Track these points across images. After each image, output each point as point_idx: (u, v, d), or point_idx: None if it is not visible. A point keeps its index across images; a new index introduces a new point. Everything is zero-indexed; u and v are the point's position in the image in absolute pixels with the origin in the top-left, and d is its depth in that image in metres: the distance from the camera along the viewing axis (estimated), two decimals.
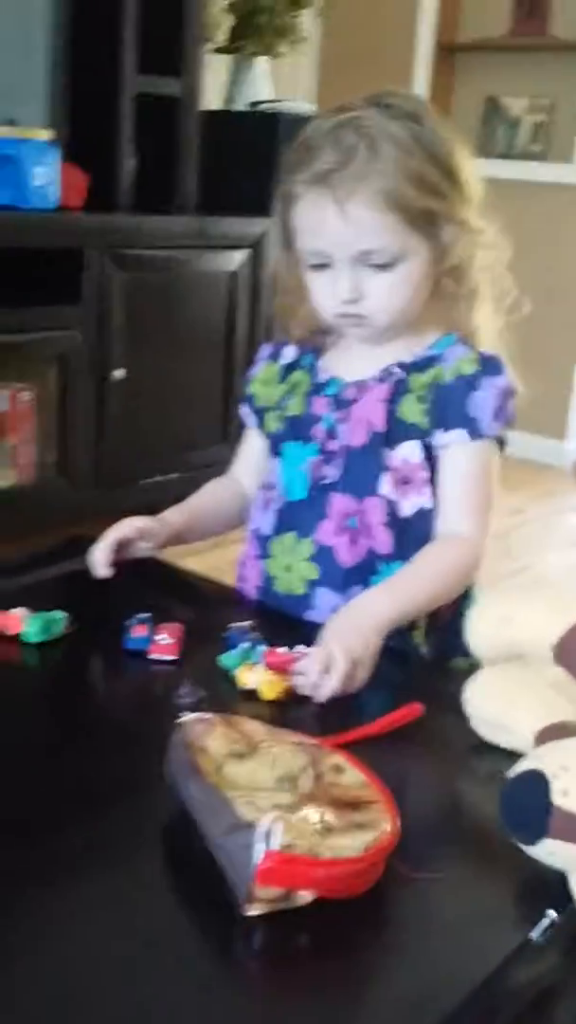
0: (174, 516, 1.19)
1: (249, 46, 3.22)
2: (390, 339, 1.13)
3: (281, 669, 0.94)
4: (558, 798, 0.65)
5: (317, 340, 1.20)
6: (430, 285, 1.11)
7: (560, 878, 0.68)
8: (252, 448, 1.25)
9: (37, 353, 2.60)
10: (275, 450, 1.18)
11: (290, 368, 1.20)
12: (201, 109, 3.03)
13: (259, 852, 0.64)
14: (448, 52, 4.09)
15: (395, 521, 1.11)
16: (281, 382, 1.20)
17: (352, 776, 0.74)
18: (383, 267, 1.06)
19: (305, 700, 0.93)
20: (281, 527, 1.16)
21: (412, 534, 1.11)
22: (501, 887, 0.72)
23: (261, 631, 1.00)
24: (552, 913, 0.65)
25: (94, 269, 2.61)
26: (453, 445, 1.09)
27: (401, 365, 1.12)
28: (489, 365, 1.10)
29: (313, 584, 1.13)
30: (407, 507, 1.11)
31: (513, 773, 0.68)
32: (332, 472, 1.12)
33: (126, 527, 1.14)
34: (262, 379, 1.22)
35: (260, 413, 1.21)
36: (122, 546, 1.13)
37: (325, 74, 4.16)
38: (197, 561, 1.30)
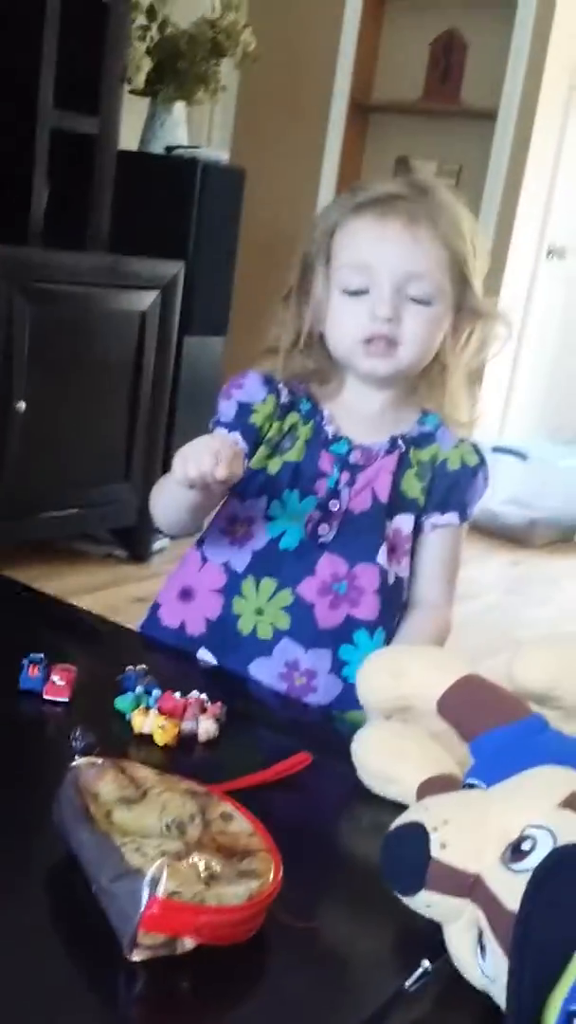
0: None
1: (168, 91, 3.26)
2: (385, 397, 1.16)
3: (174, 714, 0.95)
4: (436, 850, 0.67)
5: (303, 389, 1.19)
6: (437, 347, 1.14)
7: (436, 928, 0.70)
8: None
9: None
10: (262, 492, 1.16)
11: (286, 408, 1.18)
12: (117, 149, 3.05)
13: (145, 899, 0.65)
14: (362, 111, 4.21)
15: (383, 588, 1.14)
16: (279, 419, 1.18)
17: (239, 824, 0.75)
18: (420, 303, 1.10)
19: (197, 746, 0.94)
20: (260, 570, 1.15)
21: (393, 601, 1.16)
22: (379, 936, 0.74)
23: (156, 675, 1.01)
24: (427, 963, 0.68)
25: (2, 300, 2.60)
26: (447, 527, 1.17)
27: (402, 438, 1.16)
28: (482, 456, 1.19)
29: (281, 634, 1.14)
30: (391, 575, 1.15)
31: (395, 825, 0.71)
32: (329, 532, 1.14)
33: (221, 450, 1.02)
34: (267, 411, 1.17)
35: (255, 445, 1.17)
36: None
37: (241, 124, 4.24)
38: (93, 600, 1.30)
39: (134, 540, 2.95)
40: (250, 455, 1.16)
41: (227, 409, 1.18)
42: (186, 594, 1.20)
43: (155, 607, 1.23)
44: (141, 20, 3.16)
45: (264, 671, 1.15)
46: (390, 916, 0.73)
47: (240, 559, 1.16)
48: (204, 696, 0.98)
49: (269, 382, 1.18)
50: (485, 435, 4.03)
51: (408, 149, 4.16)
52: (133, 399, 2.95)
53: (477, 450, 1.19)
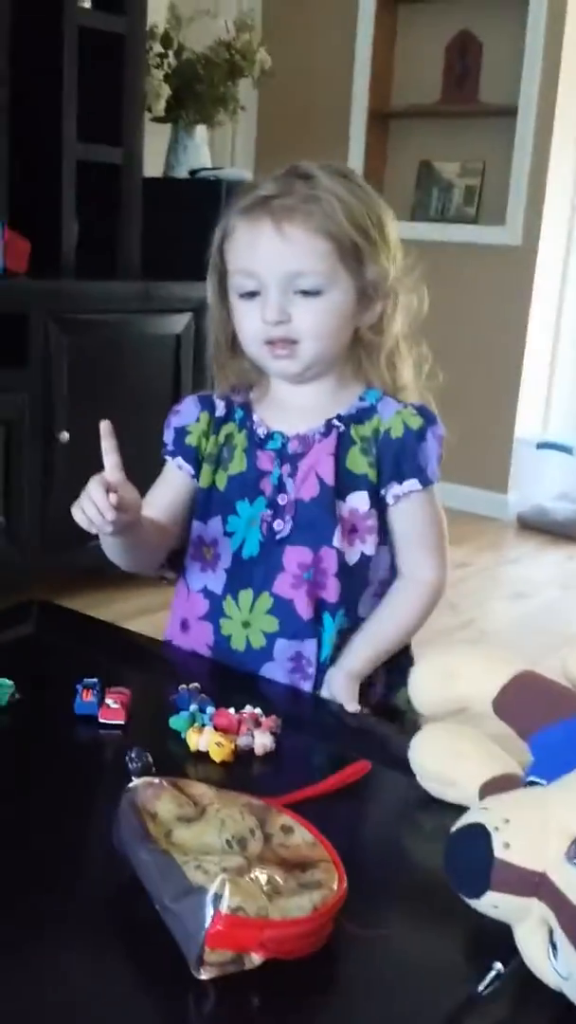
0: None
1: (188, 115, 3.30)
2: (315, 387, 1.16)
3: (230, 730, 0.95)
4: (500, 851, 0.66)
5: (243, 395, 1.21)
6: (351, 330, 1.14)
7: (505, 930, 0.69)
8: (174, 492, 1.20)
9: None
10: (217, 509, 1.18)
11: (221, 421, 1.20)
12: (142, 176, 3.09)
13: (209, 916, 0.65)
14: (382, 119, 4.21)
15: (343, 569, 1.14)
16: (214, 434, 1.20)
17: (300, 836, 0.75)
18: (311, 294, 1.10)
19: (254, 761, 0.94)
20: (235, 585, 1.17)
21: (356, 581, 1.16)
22: (448, 941, 0.73)
23: (209, 692, 1.01)
24: (498, 965, 0.67)
25: (39, 333, 2.63)
26: (410, 494, 1.15)
27: (339, 418, 1.16)
28: (427, 415, 1.17)
29: (273, 637, 1.15)
30: (352, 555, 1.14)
31: (456, 827, 0.70)
32: (284, 526, 1.14)
33: (108, 474, 1.06)
34: (200, 429, 1.20)
35: (198, 464, 1.20)
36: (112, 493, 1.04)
37: (263, 142, 4.27)
38: (146, 622, 1.31)
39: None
40: (196, 475, 1.19)
41: (168, 437, 1.22)
42: (184, 625, 1.22)
43: (167, 642, 1.24)
44: (157, 48, 3.19)
45: (275, 675, 1.15)
46: (458, 920, 0.72)
47: (216, 581, 1.18)
48: (258, 710, 0.98)
49: (203, 400, 1.22)
50: (529, 432, 4.01)
51: (430, 152, 4.16)
52: None
53: (422, 411, 1.16)
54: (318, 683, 1.16)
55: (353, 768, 0.91)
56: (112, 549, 1.15)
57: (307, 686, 1.16)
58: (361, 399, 1.17)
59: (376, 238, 1.12)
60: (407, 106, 4.18)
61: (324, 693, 1.15)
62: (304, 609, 1.14)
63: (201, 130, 3.36)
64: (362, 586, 1.16)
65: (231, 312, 1.15)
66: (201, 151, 3.37)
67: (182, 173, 3.31)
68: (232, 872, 0.67)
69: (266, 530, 1.15)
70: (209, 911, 0.65)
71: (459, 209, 4.13)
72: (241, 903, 0.65)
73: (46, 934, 0.71)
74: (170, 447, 1.21)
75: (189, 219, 3.14)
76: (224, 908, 0.65)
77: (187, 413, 1.21)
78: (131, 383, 2.88)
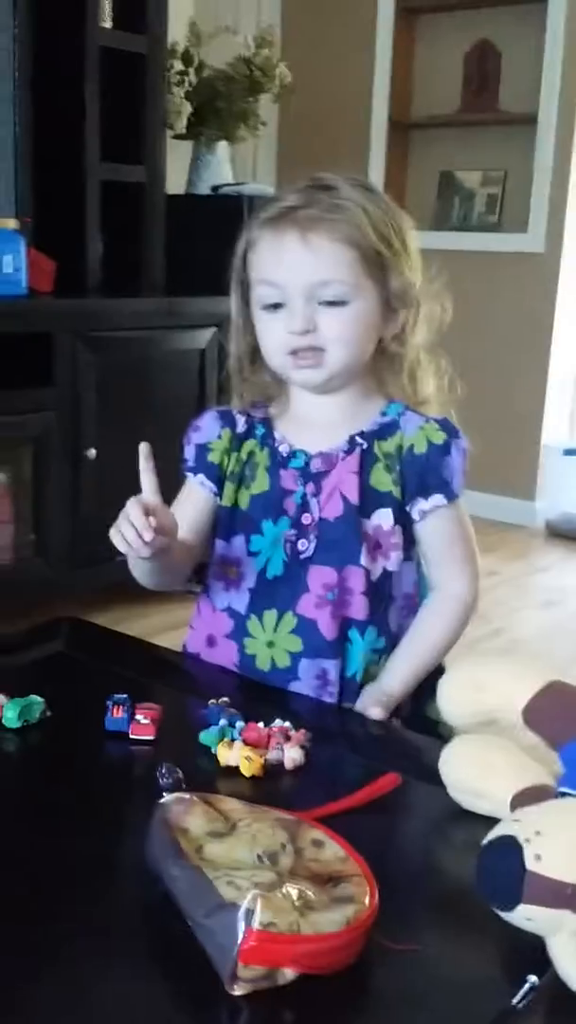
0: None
1: (209, 132, 3.32)
2: (337, 400, 1.16)
3: (259, 745, 0.95)
4: (532, 863, 0.66)
5: (263, 411, 1.20)
6: (375, 340, 1.14)
7: (539, 943, 0.69)
8: (197, 509, 1.20)
9: (11, 436, 2.63)
10: (241, 528, 1.18)
11: (242, 438, 1.19)
12: (165, 194, 3.11)
13: (241, 932, 0.65)
14: (402, 129, 4.22)
15: (369, 587, 1.14)
16: (235, 451, 1.19)
17: (331, 850, 0.75)
18: (336, 304, 1.10)
19: (284, 775, 0.94)
20: (259, 605, 1.16)
21: (381, 597, 1.15)
22: (481, 954, 0.73)
23: (239, 707, 1.02)
24: (533, 978, 0.66)
25: (65, 352, 2.66)
26: (435, 510, 1.14)
27: (362, 434, 1.15)
28: (450, 429, 1.16)
29: (297, 656, 1.15)
30: (376, 572, 1.14)
31: (487, 840, 0.70)
32: (308, 545, 1.14)
33: (146, 496, 1.06)
34: (223, 447, 1.19)
35: (220, 481, 1.19)
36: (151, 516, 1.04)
37: (284, 156, 4.29)
38: (176, 637, 1.31)
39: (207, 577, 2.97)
40: (219, 493, 1.19)
41: (189, 453, 1.21)
42: (211, 641, 1.22)
43: (193, 656, 1.24)
44: (178, 66, 3.22)
45: (300, 687, 1.15)
46: (491, 933, 0.71)
47: (240, 601, 1.18)
48: (288, 724, 0.98)
49: (224, 416, 1.21)
50: (555, 438, 3.99)
51: (451, 161, 4.16)
52: None
53: (445, 426, 1.15)
54: (341, 700, 1.15)
55: (383, 781, 0.90)
56: (142, 570, 1.16)
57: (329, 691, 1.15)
58: (383, 413, 1.17)
59: (398, 248, 1.12)
60: (427, 116, 4.18)
61: (357, 707, 1.14)
62: (328, 629, 1.13)
63: (222, 146, 3.39)
64: (388, 602, 1.16)
65: (253, 323, 1.15)
66: (223, 167, 3.39)
67: (204, 190, 3.34)
68: (263, 887, 0.67)
69: (290, 550, 1.15)
70: (241, 927, 0.65)
71: (481, 217, 4.12)
72: (273, 918, 0.65)
73: (79, 950, 0.71)
74: (191, 464, 1.20)
75: (211, 235, 3.16)
76: (256, 924, 0.65)
77: (208, 430, 1.21)
78: (156, 399, 2.90)
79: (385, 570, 1.15)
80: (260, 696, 1.12)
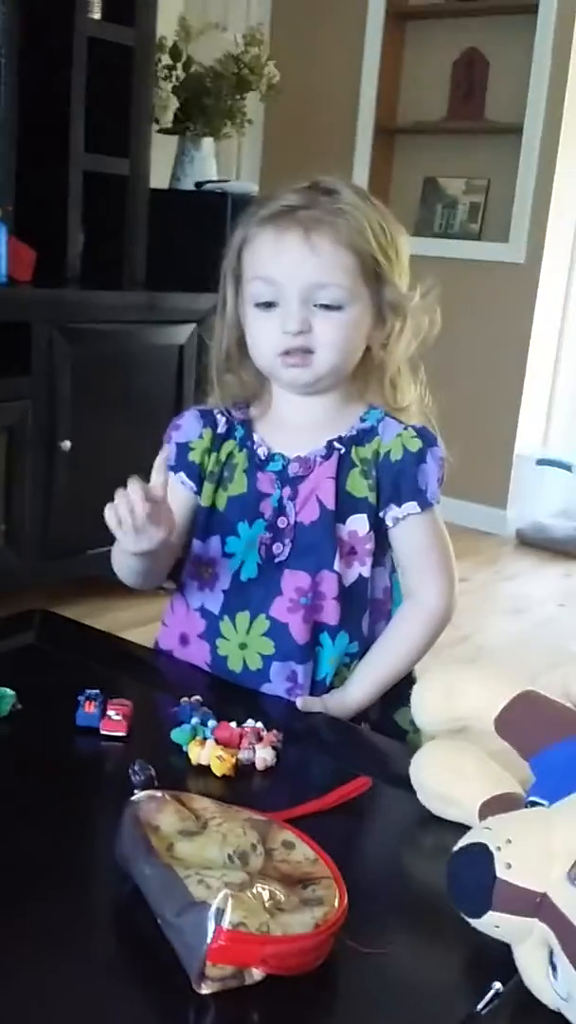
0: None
1: (195, 127, 3.31)
2: (319, 403, 1.16)
3: (231, 744, 0.95)
4: (502, 871, 0.66)
5: (243, 411, 1.20)
6: (364, 347, 1.15)
7: (505, 949, 0.70)
8: (177, 507, 1.16)
9: None
10: (217, 529, 1.17)
11: (222, 438, 1.19)
12: (148, 188, 3.10)
13: (211, 931, 0.65)
14: (388, 134, 4.23)
15: (342, 592, 1.14)
16: (215, 451, 1.19)
17: (301, 852, 0.75)
18: (332, 308, 1.09)
19: (255, 775, 0.94)
20: (232, 606, 1.16)
21: (354, 602, 1.15)
22: (447, 959, 0.74)
23: (211, 706, 1.02)
24: (497, 985, 0.67)
25: (43, 342, 2.64)
26: (408, 517, 1.14)
27: (340, 439, 1.15)
28: (427, 437, 1.16)
29: (269, 659, 1.15)
30: (349, 577, 1.14)
31: (458, 847, 0.70)
32: (283, 549, 1.14)
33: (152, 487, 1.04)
34: (203, 446, 1.19)
35: (200, 481, 1.18)
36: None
37: (269, 155, 4.29)
38: (144, 633, 1.31)
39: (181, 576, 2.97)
40: (199, 492, 1.18)
41: (170, 453, 1.19)
42: (184, 640, 1.22)
43: (166, 653, 1.23)
44: (166, 60, 3.21)
45: (272, 689, 1.15)
46: (458, 939, 0.72)
47: (213, 601, 1.17)
48: (260, 724, 0.98)
49: (205, 415, 1.20)
50: (528, 448, 4.02)
51: (435, 168, 4.18)
52: None
53: (422, 434, 1.16)
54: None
55: (354, 784, 0.91)
56: (128, 568, 1.15)
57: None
58: (362, 419, 1.17)
59: (393, 257, 1.13)
60: (413, 122, 4.20)
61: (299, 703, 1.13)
62: (299, 633, 1.13)
63: (208, 142, 3.38)
64: (361, 607, 1.16)
65: (243, 320, 1.15)
66: (207, 163, 3.38)
67: (188, 185, 3.33)
68: (234, 887, 0.67)
69: (265, 553, 1.14)
70: (211, 926, 0.65)
71: (463, 226, 4.14)
72: (243, 919, 0.65)
73: (47, 946, 0.71)
74: (172, 462, 1.19)
75: (194, 231, 3.16)
76: (226, 923, 0.65)
77: (189, 429, 1.20)
78: (134, 393, 2.89)
79: (360, 576, 1.15)
80: (232, 696, 1.12)
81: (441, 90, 4.11)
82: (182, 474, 1.19)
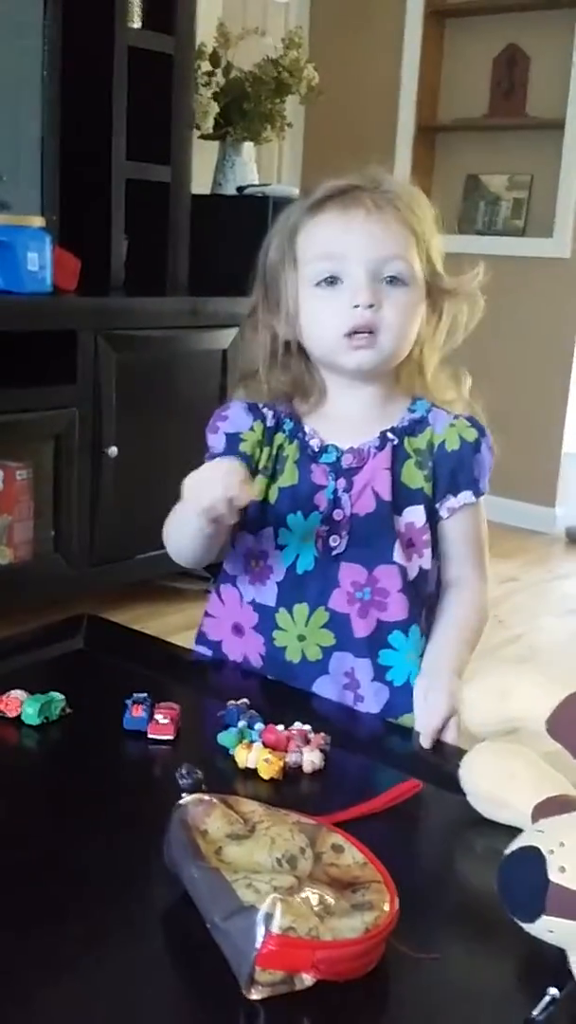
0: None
1: (236, 132, 3.32)
2: (369, 394, 1.14)
3: (278, 747, 0.94)
4: (555, 875, 0.65)
5: (286, 407, 1.17)
6: (416, 333, 1.13)
7: (560, 955, 0.68)
8: None
9: (33, 432, 2.64)
10: (268, 522, 1.15)
11: (272, 431, 1.16)
12: (190, 194, 3.11)
13: (260, 936, 0.64)
14: (429, 133, 4.21)
15: (406, 586, 1.13)
16: (267, 445, 1.16)
17: (351, 856, 0.74)
18: (399, 284, 1.08)
19: (303, 778, 0.93)
20: (289, 598, 1.15)
21: (417, 596, 1.14)
22: (501, 965, 0.72)
23: (258, 708, 1.01)
24: (553, 990, 0.66)
25: (88, 350, 2.66)
26: (462, 507, 1.14)
27: (392, 431, 1.14)
28: (480, 427, 1.16)
29: (329, 651, 1.14)
30: (412, 570, 1.13)
31: (510, 850, 0.69)
32: (340, 542, 1.13)
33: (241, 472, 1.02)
34: (255, 438, 1.16)
35: (251, 474, 1.12)
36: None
37: (309, 158, 4.29)
38: (191, 636, 1.31)
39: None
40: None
41: (216, 442, 1.17)
42: (238, 629, 1.20)
43: (216, 644, 1.22)
44: (206, 66, 3.22)
45: (327, 688, 1.14)
46: (512, 944, 0.71)
47: (267, 594, 1.16)
48: (307, 727, 0.98)
49: (253, 409, 1.17)
50: (566, 444, 3.97)
51: (477, 166, 4.15)
52: None
53: (474, 423, 1.15)
54: (366, 703, 1.15)
55: (403, 787, 0.90)
56: (192, 535, 1.10)
57: (359, 705, 1.14)
58: (411, 410, 1.16)
59: (437, 246, 1.12)
60: (454, 120, 4.17)
61: (418, 725, 1.08)
62: (360, 626, 1.13)
63: (248, 147, 3.39)
64: (424, 600, 1.15)
65: (295, 309, 1.11)
66: (248, 168, 3.39)
67: (230, 190, 3.34)
68: (283, 891, 0.67)
69: (321, 546, 1.13)
70: (260, 931, 0.64)
71: (506, 222, 4.11)
72: (292, 923, 0.64)
73: (96, 951, 0.71)
74: (220, 450, 1.16)
75: (236, 235, 3.16)
76: (275, 928, 0.64)
77: (238, 420, 1.17)
78: (178, 398, 2.90)
79: (421, 568, 1.14)
80: (279, 698, 1.11)
81: (482, 87, 4.08)
82: (233, 456, 1.14)
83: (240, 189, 3.31)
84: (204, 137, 3.30)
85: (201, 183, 3.29)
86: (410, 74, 4.12)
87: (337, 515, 1.13)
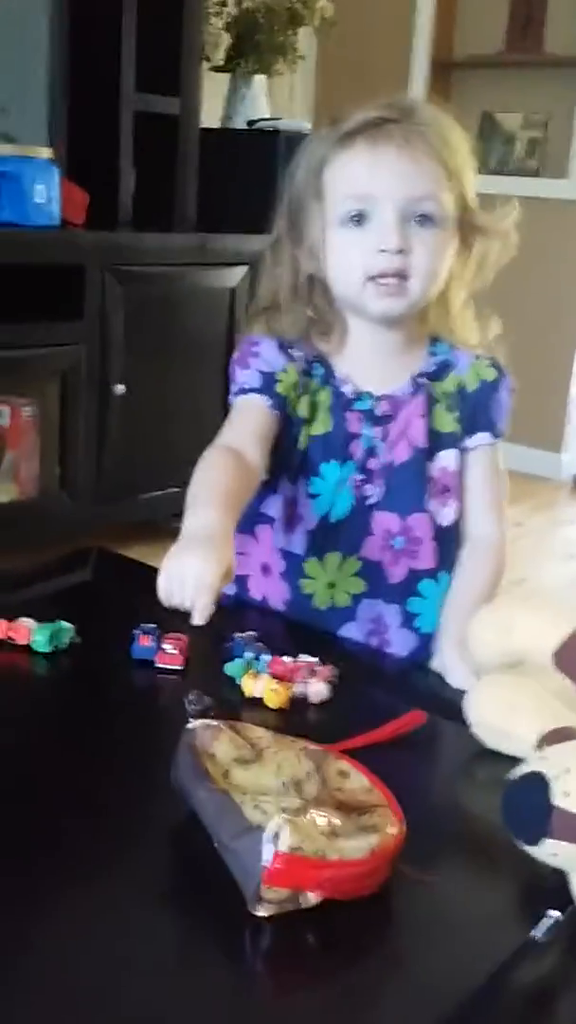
0: (226, 524, 0.96)
1: (247, 65, 3.25)
2: (395, 337, 1.11)
3: (285, 678, 0.95)
4: (559, 799, 0.66)
5: (311, 347, 1.13)
6: (446, 273, 1.09)
7: (561, 878, 0.69)
8: (263, 426, 1.09)
9: (40, 368, 2.63)
10: (301, 470, 1.13)
11: (304, 375, 1.12)
12: (200, 127, 3.06)
13: (267, 854, 0.65)
14: (444, 69, 4.13)
15: (438, 533, 1.12)
16: (301, 390, 1.11)
17: (357, 781, 0.75)
18: (430, 223, 1.04)
19: (310, 708, 0.94)
20: (320, 547, 1.13)
21: (449, 543, 1.14)
22: (504, 888, 0.74)
23: (266, 642, 1.02)
24: (554, 913, 0.67)
25: (96, 285, 2.64)
26: (478, 448, 1.13)
27: (423, 375, 1.13)
28: (500, 368, 1.15)
29: (359, 597, 1.14)
30: (444, 517, 1.13)
31: (514, 776, 0.70)
32: (375, 491, 1.12)
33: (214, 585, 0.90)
34: (290, 381, 1.10)
35: (284, 413, 1.11)
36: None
37: (322, 92, 4.21)
38: None
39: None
40: (280, 425, 1.11)
41: (249, 378, 1.10)
42: (266, 570, 1.19)
43: (243, 579, 1.21)
44: None
45: (353, 634, 1.15)
46: (513, 869, 0.72)
47: (297, 542, 1.14)
48: (315, 659, 0.98)
49: (283, 348, 1.11)
50: (574, 389, 3.94)
51: (493, 103, 4.07)
52: (226, 374, 2.97)
53: (495, 364, 1.14)
54: (393, 648, 1.15)
55: (408, 718, 0.91)
56: None
57: (386, 649, 1.14)
58: (432, 352, 1.14)
59: (472, 178, 1.08)
60: (469, 56, 4.09)
61: (436, 664, 1.11)
62: (392, 574, 1.12)
63: (260, 80, 3.32)
64: (454, 548, 1.14)
65: (319, 244, 1.07)
66: (259, 101, 3.33)
67: (240, 123, 3.28)
68: (290, 812, 0.67)
69: (356, 495, 1.12)
70: (268, 849, 0.65)
71: (521, 162, 4.04)
72: (299, 843, 0.65)
73: (102, 872, 0.72)
74: (256, 385, 1.09)
75: (246, 170, 3.12)
76: (282, 847, 0.65)
77: (272, 358, 1.11)
78: (185, 336, 2.88)
79: (452, 515, 1.13)
80: (287, 632, 1.12)
81: (499, 22, 3.99)
82: (270, 400, 1.10)
83: (251, 123, 3.26)
84: (215, 69, 3.24)
85: (211, 116, 3.23)
86: (425, 7, 4.03)
87: (372, 464, 1.12)
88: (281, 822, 0.66)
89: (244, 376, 1.11)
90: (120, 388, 2.72)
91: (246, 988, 0.65)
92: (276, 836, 0.65)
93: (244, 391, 1.11)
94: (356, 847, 0.68)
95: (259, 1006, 0.64)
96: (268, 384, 1.10)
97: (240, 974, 0.66)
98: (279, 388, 1.10)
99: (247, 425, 1.09)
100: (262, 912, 0.66)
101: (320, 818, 0.69)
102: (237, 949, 0.67)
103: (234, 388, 1.13)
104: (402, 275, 1.04)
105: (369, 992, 0.64)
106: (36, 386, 2.65)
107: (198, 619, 0.88)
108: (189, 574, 0.88)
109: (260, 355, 1.12)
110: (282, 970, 0.66)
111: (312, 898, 0.67)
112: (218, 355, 2.96)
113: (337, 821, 0.69)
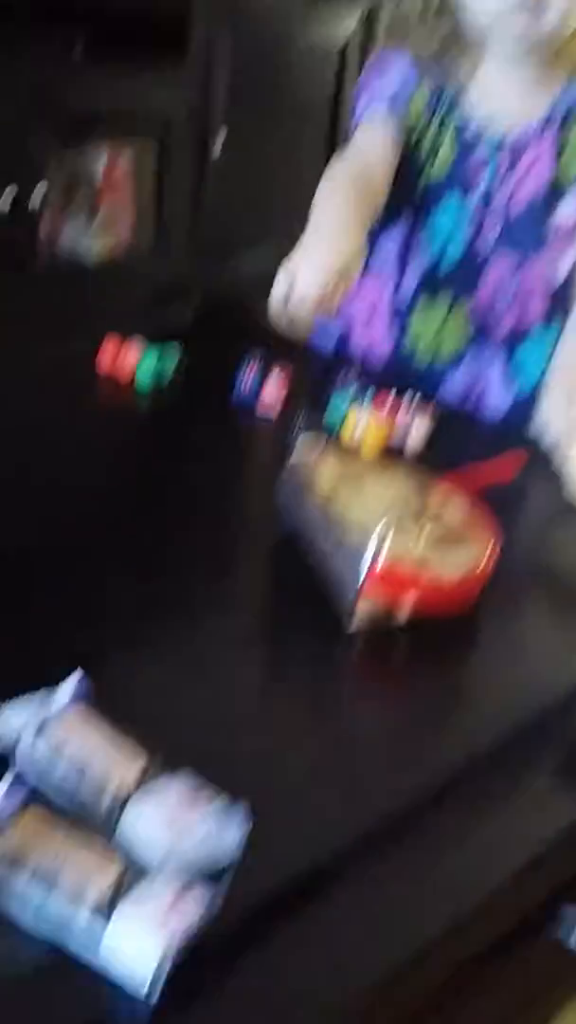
0: (353, 224, 0.92)
1: None
2: (528, 71, 1.05)
3: (388, 413, 0.95)
4: None
5: (444, 72, 1.07)
6: None
7: None
8: (386, 143, 1.03)
9: (140, 119, 2.54)
10: (423, 201, 1.08)
11: (433, 100, 1.06)
12: None
13: (367, 562, 0.67)
14: None
15: (551, 287, 1.09)
16: (427, 117, 1.06)
17: (458, 506, 0.77)
18: None
19: (410, 443, 0.94)
20: (430, 289, 1.11)
21: (560, 299, 1.10)
22: None
23: (371, 381, 1.00)
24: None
25: (202, 30, 2.50)
26: None
27: (555, 113, 1.06)
28: None
29: (463, 350, 1.12)
30: (558, 270, 1.09)
31: None
32: (490, 235, 1.08)
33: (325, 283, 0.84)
34: (420, 103, 1.05)
35: (408, 137, 1.05)
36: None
37: None
38: None
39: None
40: (402, 147, 1.05)
41: (378, 91, 1.05)
42: (372, 319, 1.15)
43: (347, 327, 1.18)
44: None
45: (453, 388, 1.13)
46: None
47: (406, 290, 1.11)
48: (418, 394, 0.98)
49: (415, 66, 1.05)
50: None
51: None
52: (331, 135, 2.84)
53: None
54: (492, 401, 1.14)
55: (510, 456, 0.91)
56: None
57: (482, 405, 1.13)
58: (566, 91, 1.07)
59: None
60: None
61: (536, 423, 1.06)
62: (501, 326, 1.10)
63: None
64: (567, 301, 1.10)
65: None
66: None
67: None
68: (394, 523, 0.69)
69: (474, 232, 1.08)
70: (368, 557, 0.67)
71: None
72: (402, 551, 0.67)
73: (205, 584, 0.74)
74: (386, 104, 1.04)
75: None
76: (383, 556, 0.67)
77: (402, 78, 1.06)
78: (291, 98, 2.75)
79: (567, 268, 1.09)
80: (392, 373, 1.10)
81: None
82: (396, 117, 1.05)
83: None
84: None
85: None
86: None
87: (492, 204, 1.07)
88: (383, 532, 0.67)
89: (372, 87, 1.08)
90: (220, 141, 2.62)
91: (336, 695, 0.66)
92: (381, 540, 0.67)
93: (369, 102, 1.07)
94: (453, 564, 0.70)
95: (348, 711, 0.65)
96: (398, 102, 1.06)
97: (329, 690, 0.67)
98: (409, 110, 1.06)
99: (375, 141, 1.05)
100: (355, 626, 0.69)
101: (421, 535, 0.70)
102: (328, 661, 0.68)
103: (363, 100, 1.09)
104: (540, 6, 0.98)
105: (449, 703, 0.67)
106: (135, 138, 2.57)
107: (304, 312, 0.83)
108: (304, 270, 0.84)
109: (389, 73, 1.08)
110: (370, 683, 0.69)
111: (403, 616, 0.69)
112: (321, 116, 2.83)
113: (437, 538, 0.71)
